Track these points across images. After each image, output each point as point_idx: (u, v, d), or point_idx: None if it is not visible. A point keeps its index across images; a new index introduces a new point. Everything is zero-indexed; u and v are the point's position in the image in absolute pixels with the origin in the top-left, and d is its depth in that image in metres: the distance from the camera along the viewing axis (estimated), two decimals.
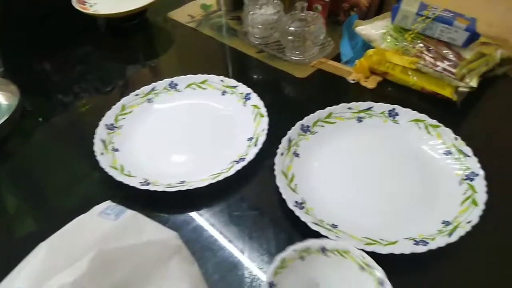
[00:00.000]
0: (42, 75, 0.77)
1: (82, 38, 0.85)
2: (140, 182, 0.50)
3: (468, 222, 0.43)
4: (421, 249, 0.41)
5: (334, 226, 0.45)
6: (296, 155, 0.54)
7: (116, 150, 0.56)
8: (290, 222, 0.47)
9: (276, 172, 0.50)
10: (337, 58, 0.71)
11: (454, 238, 0.42)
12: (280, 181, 0.49)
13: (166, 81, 0.65)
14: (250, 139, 0.56)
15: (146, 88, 0.64)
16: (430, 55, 0.61)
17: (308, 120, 0.57)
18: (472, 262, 0.44)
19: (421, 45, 0.62)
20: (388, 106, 0.57)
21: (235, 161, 0.52)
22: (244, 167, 0.52)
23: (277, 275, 0.38)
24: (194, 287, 0.35)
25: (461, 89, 0.59)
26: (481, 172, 0.48)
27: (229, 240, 0.47)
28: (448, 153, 0.52)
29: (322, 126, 0.57)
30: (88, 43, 0.84)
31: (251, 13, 0.73)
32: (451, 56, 0.60)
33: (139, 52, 0.83)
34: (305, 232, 0.43)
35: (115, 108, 0.61)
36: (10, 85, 0.68)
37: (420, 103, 0.61)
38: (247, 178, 0.53)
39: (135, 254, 0.34)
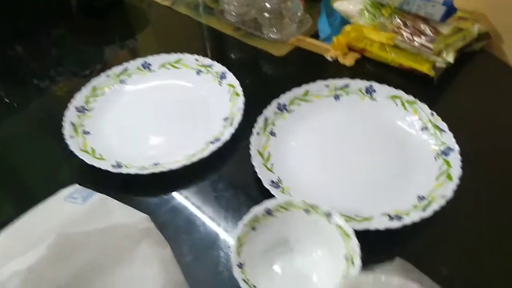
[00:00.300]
0: (15, 59, 0.74)
1: (55, 20, 0.81)
2: (113, 165, 0.49)
3: (443, 197, 0.43)
4: (395, 224, 0.41)
5: None
6: (273, 134, 0.53)
7: (87, 133, 0.54)
8: None
9: (251, 152, 0.49)
10: (315, 35, 0.70)
11: (429, 213, 0.42)
12: (256, 161, 0.49)
13: (139, 61, 0.63)
14: (225, 119, 0.55)
15: (117, 69, 0.62)
16: (408, 30, 0.60)
17: (284, 98, 0.56)
18: (446, 236, 0.44)
19: (398, 20, 0.61)
20: (365, 83, 0.57)
21: (210, 142, 0.51)
22: (220, 148, 0.51)
23: (241, 254, 0.38)
24: (165, 271, 0.35)
25: (438, 64, 0.59)
26: (456, 147, 0.48)
27: (205, 221, 0.47)
28: (425, 128, 0.52)
29: (299, 104, 0.56)
30: (61, 25, 0.81)
31: None
32: (428, 31, 0.60)
33: (115, 33, 0.80)
34: None
35: (86, 90, 0.59)
36: None
37: (398, 79, 0.61)
38: (224, 159, 0.53)
39: (101, 238, 0.33)
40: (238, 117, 0.53)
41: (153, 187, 0.50)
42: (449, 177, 0.45)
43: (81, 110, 0.57)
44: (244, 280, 0.37)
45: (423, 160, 0.49)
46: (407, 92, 0.55)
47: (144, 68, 0.63)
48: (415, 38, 0.60)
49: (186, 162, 0.48)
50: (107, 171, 0.49)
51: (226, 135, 0.51)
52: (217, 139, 0.51)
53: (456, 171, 0.46)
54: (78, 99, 0.57)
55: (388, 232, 0.41)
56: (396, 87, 0.56)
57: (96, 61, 0.71)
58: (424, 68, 0.59)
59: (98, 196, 0.37)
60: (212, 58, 0.63)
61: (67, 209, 0.35)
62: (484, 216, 0.45)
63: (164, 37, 0.79)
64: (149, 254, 0.35)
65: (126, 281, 0.33)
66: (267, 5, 0.66)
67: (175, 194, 0.50)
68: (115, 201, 0.38)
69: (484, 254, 0.42)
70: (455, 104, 0.59)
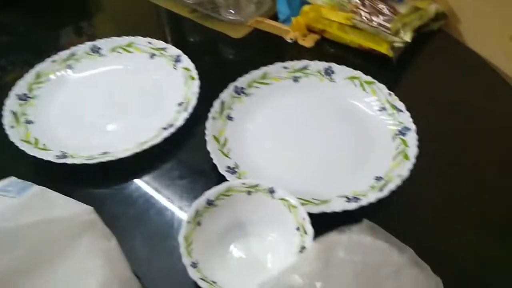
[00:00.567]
0: None
1: (2, 3, 0.75)
2: (57, 156, 0.45)
3: (399, 176, 0.43)
4: (352, 205, 0.41)
5: None
6: (230, 118, 0.51)
7: (30, 122, 0.50)
8: None
9: (207, 137, 0.47)
10: (275, 17, 0.68)
11: (385, 192, 0.42)
12: (211, 146, 0.47)
13: (88, 45, 0.59)
14: (180, 104, 0.52)
15: (64, 53, 0.58)
16: (366, 10, 0.59)
17: (242, 81, 0.54)
18: (403, 216, 0.44)
19: (357, 0, 0.60)
20: (323, 64, 0.55)
21: (164, 128, 0.49)
22: (176, 134, 0.49)
23: (191, 253, 0.36)
24: (110, 263, 0.33)
25: (396, 44, 0.58)
26: (413, 127, 0.48)
27: (159, 210, 0.45)
28: (383, 109, 0.51)
29: (257, 87, 0.55)
30: (10, 9, 0.75)
31: None
32: (386, 10, 0.59)
33: (68, 16, 0.75)
34: None
35: (28, 77, 0.54)
36: None
37: (357, 60, 0.60)
38: (179, 145, 0.51)
39: (37, 233, 0.30)
40: (193, 102, 0.51)
41: (103, 178, 0.48)
42: (406, 156, 0.45)
43: (23, 98, 0.53)
44: (201, 279, 0.35)
45: (381, 140, 0.49)
46: (366, 73, 0.54)
47: (94, 52, 0.59)
48: (373, 18, 0.59)
49: (137, 149, 0.46)
50: (53, 163, 0.46)
51: (180, 120, 0.49)
52: (170, 125, 0.49)
53: (413, 150, 0.45)
54: (20, 86, 0.53)
55: (345, 213, 0.41)
56: (355, 68, 0.55)
57: (50, 47, 0.65)
58: (383, 49, 0.59)
59: (36, 189, 0.35)
60: (169, 42, 0.60)
61: None
62: (440, 195, 0.45)
63: (119, 20, 0.75)
64: (92, 247, 0.33)
65: (66, 275, 0.31)
66: None
67: (127, 184, 0.47)
68: (56, 193, 0.36)
69: (440, 231, 0.42)
70: (413, 84, 0.59)
